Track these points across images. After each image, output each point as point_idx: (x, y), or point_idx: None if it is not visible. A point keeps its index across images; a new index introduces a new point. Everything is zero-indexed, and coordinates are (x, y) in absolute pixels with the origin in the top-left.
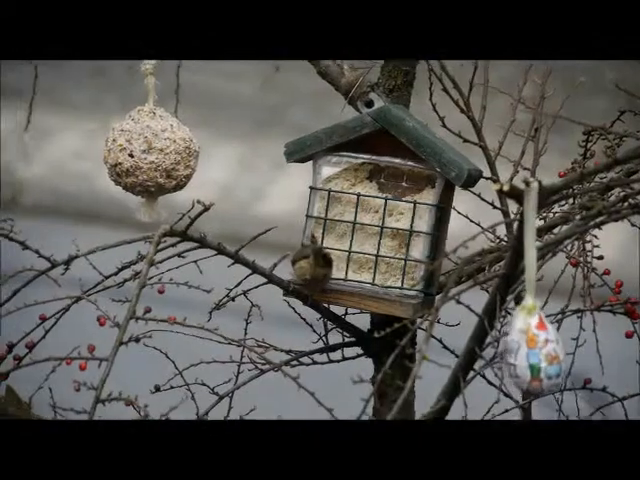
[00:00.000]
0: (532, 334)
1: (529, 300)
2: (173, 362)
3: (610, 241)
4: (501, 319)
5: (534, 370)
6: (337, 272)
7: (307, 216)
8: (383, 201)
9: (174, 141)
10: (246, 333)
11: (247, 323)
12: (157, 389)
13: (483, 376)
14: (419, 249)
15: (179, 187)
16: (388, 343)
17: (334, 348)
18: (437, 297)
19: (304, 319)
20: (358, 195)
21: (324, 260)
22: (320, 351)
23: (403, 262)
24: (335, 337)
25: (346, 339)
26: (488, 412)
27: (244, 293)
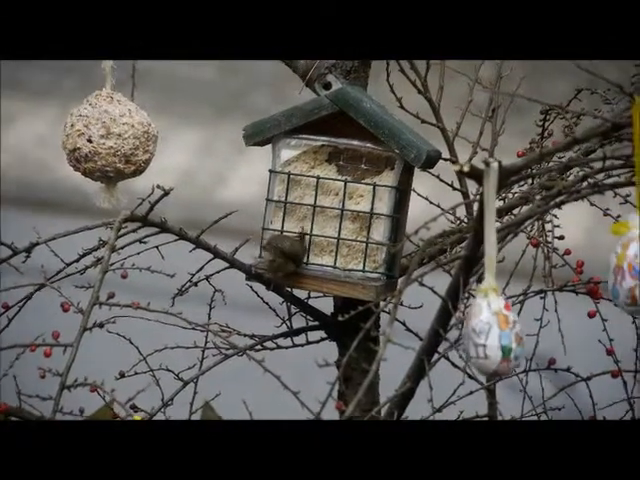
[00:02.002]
0: (503, 315)
1: (491, 281)
2: (137, 348)
3: (571, 221)
4: (464, 301)
5: (505, 351)
6: None
7: (267, 200)
8: (343, 184)
9: (132, 126)
10: (210, 318)
11: (210, 308)
12: (122, 375)
13: (447, 358)
14: (380, 231)
15: (138, 172)
16: (352, 326)
17: (298, 332)
18: (400, 279)
19: (267, 303)
20: (317, 178)
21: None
22: (284, 335)
23: (364, 245)
24: (299, 321)
25: (310, 323)
26: (453, 394)
27: (207, 278)
